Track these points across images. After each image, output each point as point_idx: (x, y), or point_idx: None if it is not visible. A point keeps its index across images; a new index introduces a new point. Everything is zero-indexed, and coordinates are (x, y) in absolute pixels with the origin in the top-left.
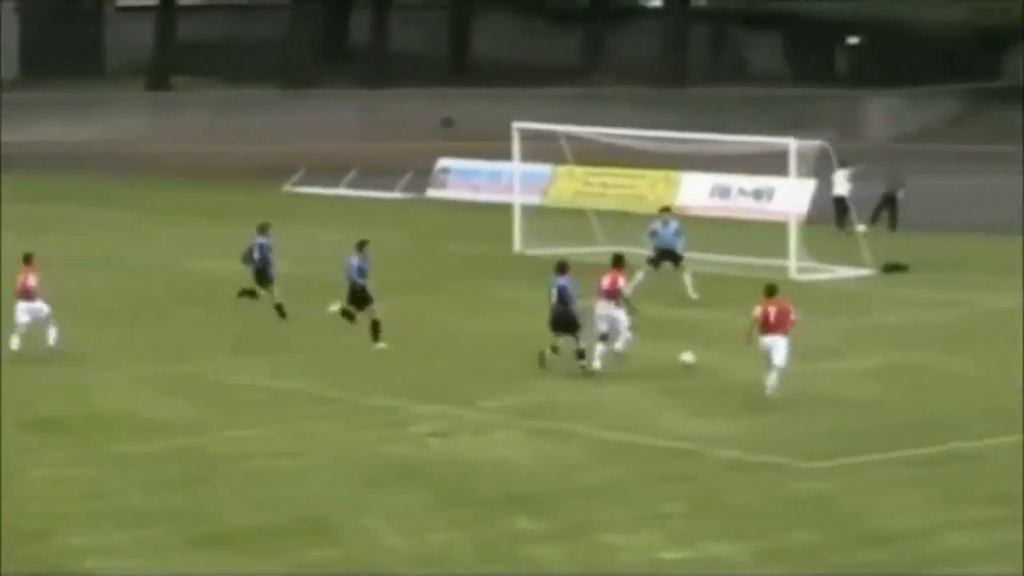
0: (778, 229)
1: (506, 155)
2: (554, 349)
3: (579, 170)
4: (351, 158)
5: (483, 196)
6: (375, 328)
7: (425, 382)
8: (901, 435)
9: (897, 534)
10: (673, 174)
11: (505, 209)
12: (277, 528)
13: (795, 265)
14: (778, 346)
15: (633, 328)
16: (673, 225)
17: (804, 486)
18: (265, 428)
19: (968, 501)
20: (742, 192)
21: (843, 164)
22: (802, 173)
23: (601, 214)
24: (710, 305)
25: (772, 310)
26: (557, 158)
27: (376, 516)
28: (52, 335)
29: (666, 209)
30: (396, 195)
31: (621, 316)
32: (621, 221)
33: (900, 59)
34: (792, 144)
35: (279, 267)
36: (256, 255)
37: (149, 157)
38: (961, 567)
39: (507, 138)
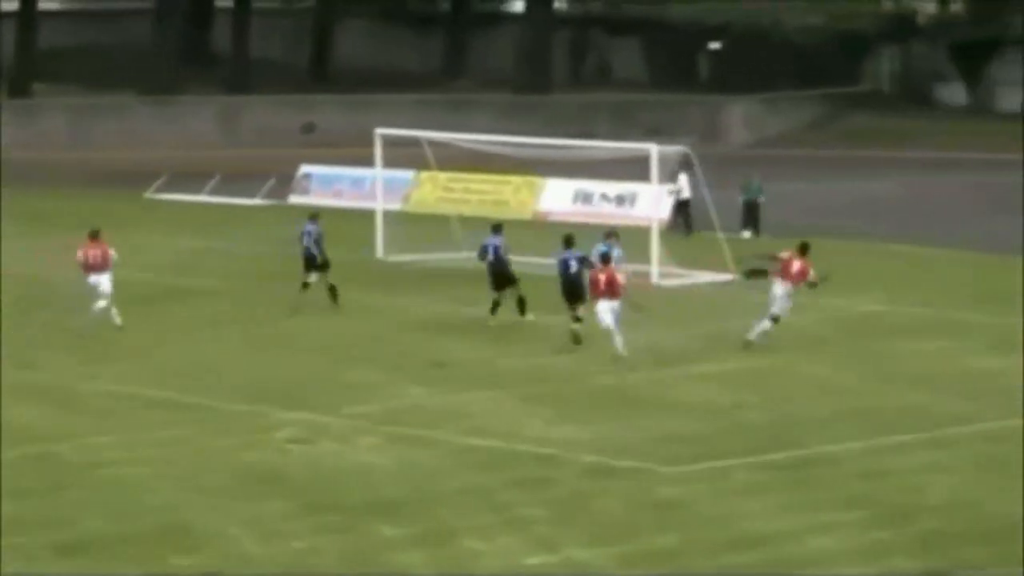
0: (641, 234)
1: (368, 161)
2: (577, 320)
3: (442, 176)
4: (213, 165)
5: (345, 202)
6: (332, 292)
7: (287, 388)
8: (762, 439)
9: (760, 537)
10: (536, 180)
11: (367, 215)
12: (138, 536)
13: (657, 270)
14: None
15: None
16: (617, 251)
17: (666, 490)
18: (124, 435)
19: (829, 503)
20: (604, 198)
21: (685, 168)
22: (664, 179)
23: (464, 220)
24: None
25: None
26: (420, 164)
27: (238, 523)
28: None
29: (612, 234)
30: (258, 201)
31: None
32: (485, 227)
33: (761, 65)
34: (654, 150)
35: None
36: (305, 242)
37: (8, 164)
38: (824, 569)
39: (369, 144)
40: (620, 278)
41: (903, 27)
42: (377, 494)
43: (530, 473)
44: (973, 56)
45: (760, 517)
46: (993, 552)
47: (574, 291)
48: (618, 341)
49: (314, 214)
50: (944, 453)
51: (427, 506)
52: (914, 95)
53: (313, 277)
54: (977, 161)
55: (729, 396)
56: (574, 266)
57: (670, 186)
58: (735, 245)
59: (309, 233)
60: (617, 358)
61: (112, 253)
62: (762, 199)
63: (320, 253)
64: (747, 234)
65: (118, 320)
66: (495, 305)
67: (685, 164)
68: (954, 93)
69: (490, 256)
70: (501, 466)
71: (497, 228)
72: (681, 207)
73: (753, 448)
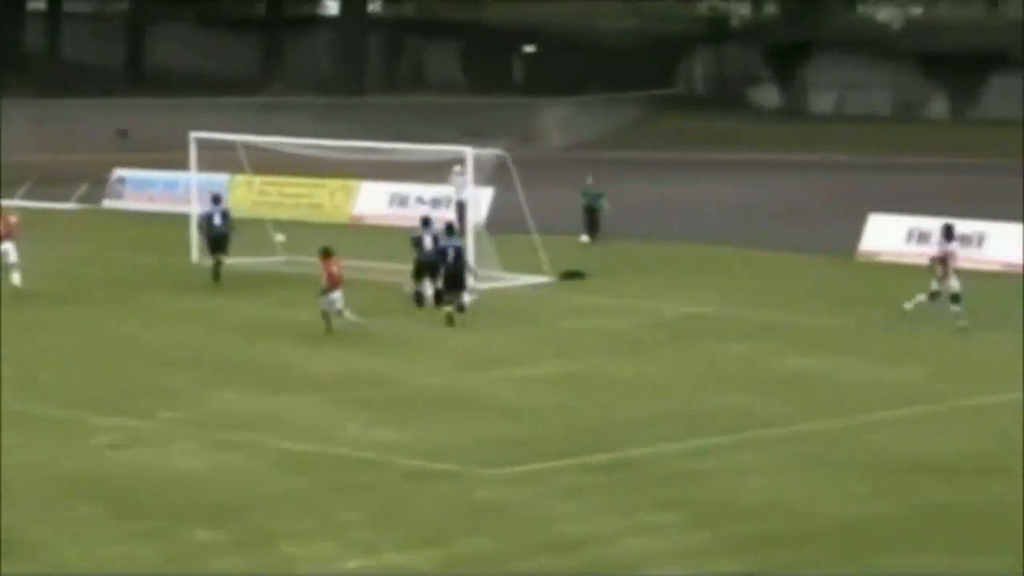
0: None
1: (183, 165)
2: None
3: (257, 180)
4: (26, 169)
5: (160, 206)
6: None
7: (103, 393)
8: (580, 441)
9: (578, 540)
10: (352, 183)
11: (182, 219)
12: None
13: (472, 277)
14: None
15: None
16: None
17: (485, 493)
18: None
19: (647, 505)
20: (420, 201)
21: (463, 171)
22: (479, 181)
23: (280, 223)
24: (389, 313)
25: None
26: (235, 168)
27: (53, 529)
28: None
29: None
30: (72, 206)
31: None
32: (299, 230)
33: (576, 67)
34: (469, 152)
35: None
36: (216, 222)
37: None
38: (641, 571)
39: (184, 148)
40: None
41: (717, 30)
42: (194, 499)
43: (348, 477)
44: (786, 58)
45: (579, 519)
46: (807, 553)
47: (454, 280)
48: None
49: (216, 196)
50: (761, 454)
51: (244, 511)
52: (728, 97)
53: (221, 257)
54: (792, 163)
55: (548, 398)
56: (451, 254)
57: (462, 179)
58: (573, 248)
59: (215, 215)
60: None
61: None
62: (604, 203)
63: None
64: (585, 238)
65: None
66: (420, 297)
67: (461, 167)
68: (768, 95)
69: (450, 258)
70: (318, 470)
71: (451, 229)
72: (458, 208)
73: (572, 450)
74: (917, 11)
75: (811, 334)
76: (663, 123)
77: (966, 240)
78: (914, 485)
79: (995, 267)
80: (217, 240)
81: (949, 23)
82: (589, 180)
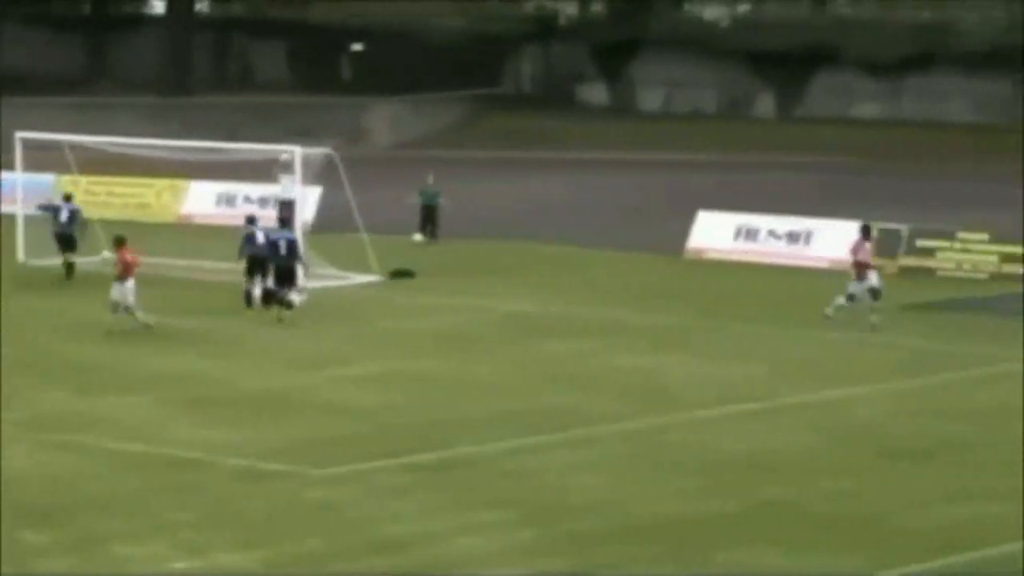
0: None
1: (8, 165)
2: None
3: (83, 180)
4: None
5: None
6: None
7: None
8: (410, 440)
9: (408, 539)
10: (180, 183)
11: (8, 219)
12: None
13: (301, 272)
14: None
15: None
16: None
17: (315, 493)
18: None
19: (476, 504)
20: (248, 200)
21: (286, 168)
22: (308, 181)
23: (107, 223)
24: (218, 313)
25: None
26: (62, 168)
27: None
28: None
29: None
30: None
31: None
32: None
33: (404, 66)
34: (297, 152)
35: None
36: (63, 219)
37: None
38: (470, 569)
39: (9, 148)
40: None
41: (544, 28)
42: (23, 500)
43: (177, 477)
44: (614, 57)
45: (408, 519)
46: (636, 551)
47: (286, 273)
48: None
49: (68, 194)
50: (591, 452)
51: (72, 512)
52: (556, 96)
53: (70, 256)
54: (621, 161)
55: (378, 398)
56: (284, 247)
57: (289, 178)
58: (405, 248)
59: (63, 212)
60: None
61: None
62: (442, 202)
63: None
64: (419, 237)
65: None
66: (249, 297)
67: (285, 167)
68: (596, 93)
69: (283, 251)
70: (148, 471)
71: (285, 222)
72: (285, 207)
73: (402, 449)
74: (744, 9)
75: (641, 332)
76: (491, 122)
77: (793, 237)
78: (745, 482)
79: (823, 264)
80: (62, 239)
81: (776, 21)
82: (430, 179)
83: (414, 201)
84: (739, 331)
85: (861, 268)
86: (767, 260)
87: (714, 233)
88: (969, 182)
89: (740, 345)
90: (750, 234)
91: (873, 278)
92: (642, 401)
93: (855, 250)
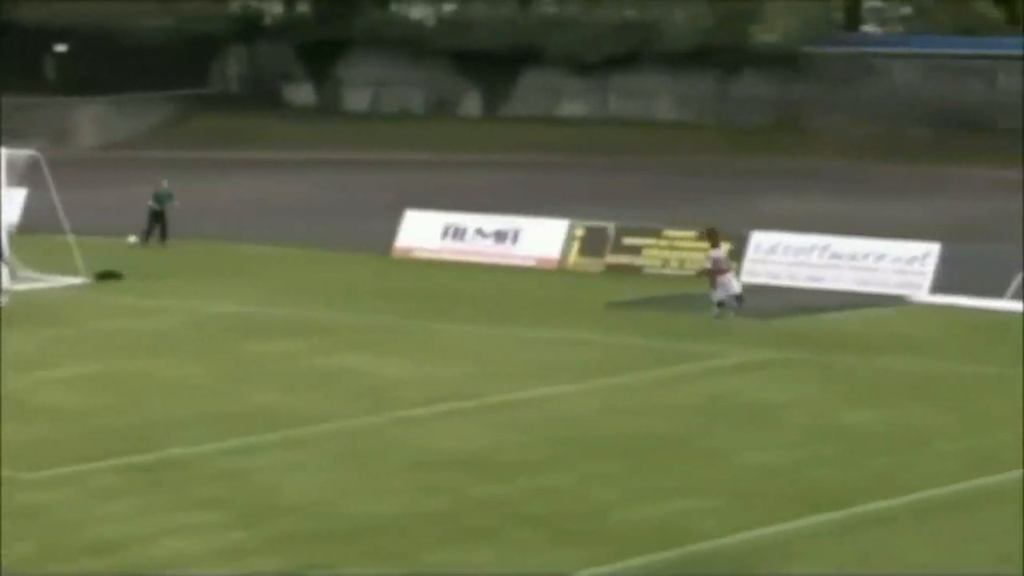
0: None
1: None
2: None
3: None
4: None
5: None
6: None
7: None
8: (122, 442)
9: (120, 541)
10: None
11: None
12: None
13: (5, 273)
14: None
15: None
16: None
17: (25, 497)
18: None
19: (186, 506)
20: None
21: None
22: (12, 182)
23: None
24: None
25: None
26: None
27: None
28: None
29: None
30: None
31: None
32: None
33: (109, 67)
34: (3, 153)
35: None
36: None
37: None
38: (180, 571)
39: None
40: None
41: (250, 28)
42: None
43: None
44: (320, 56)
45: (117, 521)
46: (345, 550)
47: None
48: None
49: None
50: (302, 452)
51: None
52: (263, 96)
53: None
54: (329, 161)
55: (85, 400)
56: None
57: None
58: (119, 250)
59: None
60: None
61: None
62: (174, 204)
63: None
64: (133, 239)
65: None
66: None
67: None
68: (303, 93)
69: None
70: None
71: None
72: None
73: (111, 451)
74: (450, 8)
75: (349, 331)
76: (198, 122)
77: (501, 236)
78: (456, 481)
79: (530, 263)
80: None
81: (481, 20)
82: (164, 184)
83: (149, 204)
84: (447, 330)
85: (715, 275)
86: (475, 259)
87: (422, 232)
88: (675, 179)
89: (448, 344)
90: (458, 233)
91: (734, 283)
92: (353, 401)
93: (711, 259)
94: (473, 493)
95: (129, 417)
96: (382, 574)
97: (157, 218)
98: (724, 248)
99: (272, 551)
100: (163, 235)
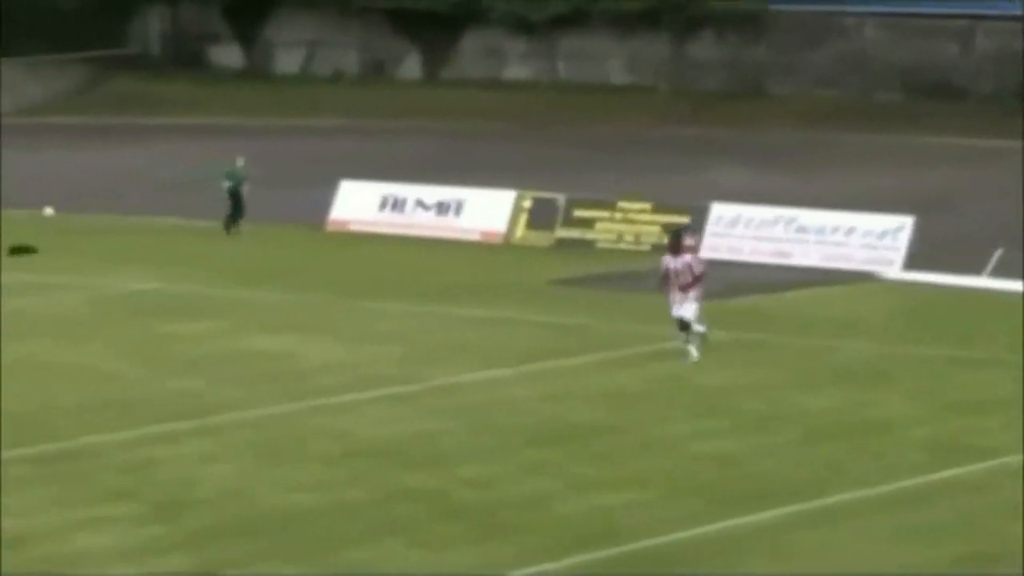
0: None
1: None
2: None
3: None
4: None
5: None
6: None
7: None
8: (27, 430)
9: (24, 535)
10: None
11: None
12: None
13: None
14: None
15: None
16: None
17: None
18: None
19: (95, 498)
20: None
21: None
22: None
23: None
24: None
25: None
26: None
27: None
28: None
29: None
30: None
31: None
32: None
33: (20, 27)
34: None
35: None
36: None
37: None
38: (91, 568)
39: None
40: None
41: None
42: None
43: None
44: (247, 16)
45: (20, 514)
46: (262, 546)
47: None
48: None
49: None
50: (218, 441)
51: None
52: (186, 58)
53: None
54: (257, 127)
55: None
56: None
57: None
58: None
59: None
60: None
61: None
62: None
63: None
64: (50, 211)
65: None
66: None
67: None
68: (230, 55)
69: None
70: None
71: None
72: None
73: (18, 440)
74: None
75: (273, 311)
76: (116, 86)
77: (443, 208)
78: (381, 471)
79: (474, 236)
80: None
81: None
82: (240, 161)
83: (225, 184)
84: (381, 309)
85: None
86: (415, 232)
87: (358, 204)
88: (629, 148)
89: (381, 324)
90: (397, 204)
91: (687, 307)
92: (274, 386)
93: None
94: (398, 484)
95: (35, 403)
96: (297, 573)
97: (235, 199)
98: (688, 258)
99: (187, 546)
100: (237, 217)
